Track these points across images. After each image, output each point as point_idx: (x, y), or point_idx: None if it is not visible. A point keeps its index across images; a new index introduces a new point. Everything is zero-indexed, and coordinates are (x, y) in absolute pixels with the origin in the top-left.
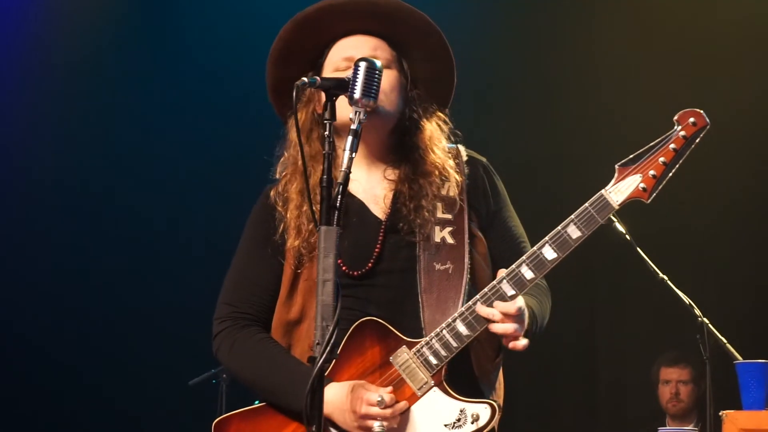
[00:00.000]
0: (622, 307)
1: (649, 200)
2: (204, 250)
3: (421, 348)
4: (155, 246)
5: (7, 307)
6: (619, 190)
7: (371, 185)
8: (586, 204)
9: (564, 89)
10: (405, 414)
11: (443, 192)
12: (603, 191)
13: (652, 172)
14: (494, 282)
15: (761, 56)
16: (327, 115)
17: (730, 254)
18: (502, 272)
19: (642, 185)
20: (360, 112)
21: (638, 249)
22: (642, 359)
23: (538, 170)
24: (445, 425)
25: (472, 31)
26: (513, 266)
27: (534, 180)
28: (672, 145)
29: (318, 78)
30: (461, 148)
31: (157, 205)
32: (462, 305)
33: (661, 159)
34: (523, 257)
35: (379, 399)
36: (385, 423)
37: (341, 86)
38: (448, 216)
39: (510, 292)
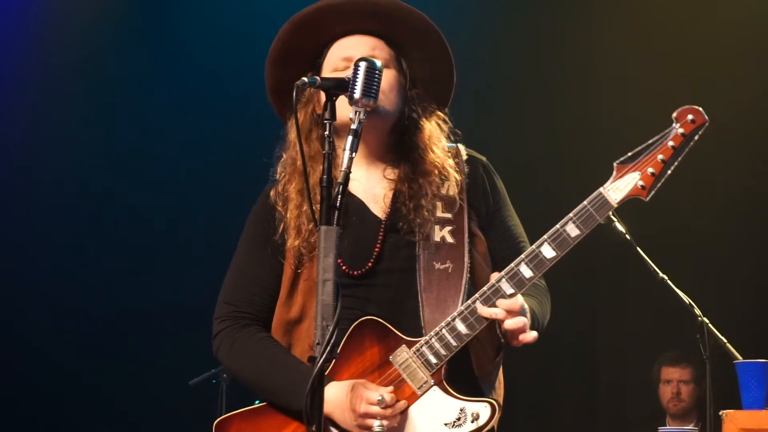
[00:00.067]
0: (622, 307)
1: (648, 198)
2: (204, 250)
3: (421, 347)
4: (155, 246)
5: (7, 307)
6: (617, 188)
7: (371, 185)
8: (585, 202)
9: (564, 89)
10: (405, 413)
11: (443, 191)
12: (601, 189)
13: (650, 170)
14: (493, 281)
15: (761, 56)
16: (327, 115)
17: (730, 254)
18: (495, 275)
19: (641, 183)
20: (360, 112)
21: (638, 249)
22: (642, 359)
23: (538, 170)
24: (445, 424)
25: (472, 31)
26: (512, 265)
27: (534, 180)
28: (671, 143)
29: (318, 78)
30: (461, 147)
31: (157, 205)
32: (462, 304)
33: (660, 157)
34: (522, 256)
35: (380, 398)
36: (385, 422)
37: (341, 86)
38: (448, 215)
39: (509, 290)
